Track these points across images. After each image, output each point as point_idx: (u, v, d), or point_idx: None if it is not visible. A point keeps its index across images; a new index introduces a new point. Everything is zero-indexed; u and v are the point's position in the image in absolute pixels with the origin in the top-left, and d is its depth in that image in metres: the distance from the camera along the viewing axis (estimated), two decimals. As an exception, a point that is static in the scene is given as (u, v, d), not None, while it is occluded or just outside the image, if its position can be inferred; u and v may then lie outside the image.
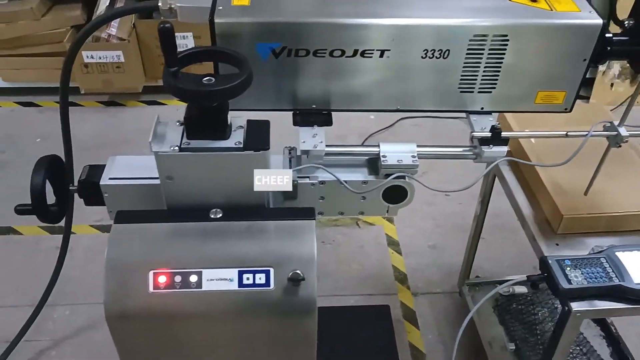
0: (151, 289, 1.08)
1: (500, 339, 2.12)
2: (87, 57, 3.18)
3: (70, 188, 1.35)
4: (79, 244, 2.56)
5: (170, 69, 1.06)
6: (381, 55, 1.26)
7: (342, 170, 1.34)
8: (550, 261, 1.47)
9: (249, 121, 1.18)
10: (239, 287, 1.09)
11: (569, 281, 1.42)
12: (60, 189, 1.35)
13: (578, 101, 1.40)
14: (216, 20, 1.19)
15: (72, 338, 2.22)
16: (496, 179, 1.90)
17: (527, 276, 1.48)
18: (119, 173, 1.31)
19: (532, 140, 1.78)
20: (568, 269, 1.46)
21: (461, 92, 1.33)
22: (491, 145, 1.33)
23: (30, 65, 3.39)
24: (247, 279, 1.10)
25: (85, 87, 3.33)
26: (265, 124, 1.18)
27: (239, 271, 1.10)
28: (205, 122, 1.13)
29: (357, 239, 2.66)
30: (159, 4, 1.24)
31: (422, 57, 1.27)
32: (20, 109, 3.54)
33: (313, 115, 1.35)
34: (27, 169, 1.25)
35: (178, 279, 1.09)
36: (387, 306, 2.25)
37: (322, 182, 1.34)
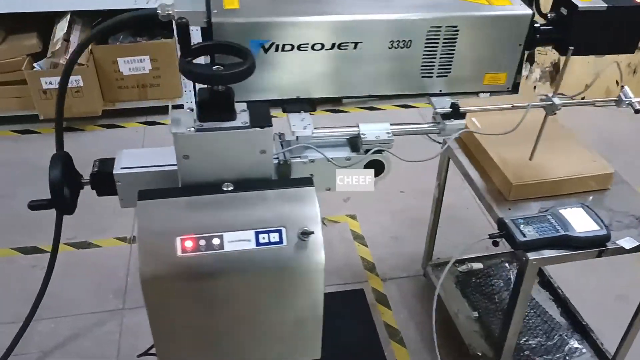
0: (179, 252, 1.23)
1: (464, 309, 2.35)
2: (46, 83, 3.24)
3: (82, 181, 1.47)
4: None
5: (186, 58, 1.24)
6: (355, 47, 1.47)
7: (328, 150, 1.54)
8: (506, 221, 1.71)
9: (249, 105, 1.36)
10: (256, 245, 1.25)
11: (524, 235, 1.67)
12: (72, 182, 1.46)
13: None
14: (213, 20, 1.37)
15: (60, 348, 2.27)
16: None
17: (489, 234, 1.71)
18: (128, 163, 1.45)
19: (479, 125, 2.05)
20: (522, 225, 1.70)
21: (422, 77, 1.57)
22: (452, 119, 1.56)
23: (-13, 94, 3.41)
24: (263, 238, 1.26)
25: (44, 113, 3.37)
26: (265, 105, 1.36)
27: (255, 232, 1.26)
28: (215, 106, 1.30)
29: (324, 236, 2.84)
30: (158, 11, 1.41)
31: (388, 47, 1.49)
32: (-24, 138, 3.54)
33: (299, 103, 1.55)
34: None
35: (202, 242, 1.24)
36: (362, 289, 2.43)
37: (312, 161, 1.52)
